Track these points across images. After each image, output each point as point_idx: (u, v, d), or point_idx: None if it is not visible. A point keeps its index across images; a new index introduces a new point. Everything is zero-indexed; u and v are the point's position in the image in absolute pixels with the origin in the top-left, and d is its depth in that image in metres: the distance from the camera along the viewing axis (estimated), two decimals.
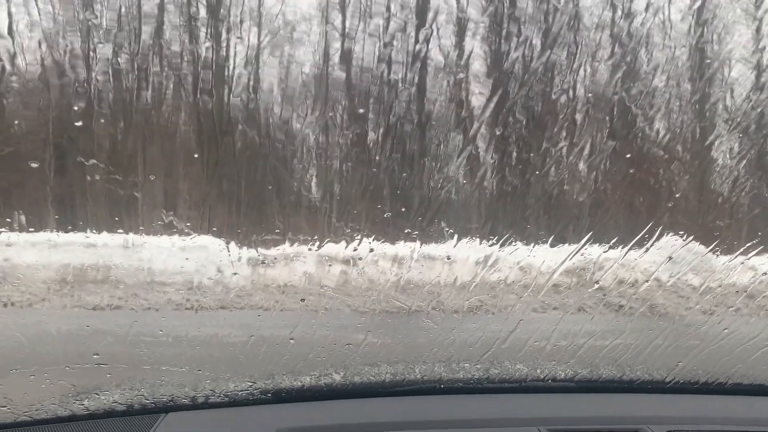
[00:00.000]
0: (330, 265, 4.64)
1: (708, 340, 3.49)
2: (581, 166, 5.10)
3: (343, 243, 4.23)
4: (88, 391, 2.92)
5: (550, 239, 4.25)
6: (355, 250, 4.27)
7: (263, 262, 5.23)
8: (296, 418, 2.83)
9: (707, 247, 3.97)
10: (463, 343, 3.57)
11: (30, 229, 4.66)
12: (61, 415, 2.75)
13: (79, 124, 4.52)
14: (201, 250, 5.87)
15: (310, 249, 4.56)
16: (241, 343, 3.59)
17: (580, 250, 3.89)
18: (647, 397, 3.21)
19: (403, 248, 4.23)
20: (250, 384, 3.01)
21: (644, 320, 4.06)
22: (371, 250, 4.32)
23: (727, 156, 5.26)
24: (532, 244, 4.28)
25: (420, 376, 3.18)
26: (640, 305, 4.06)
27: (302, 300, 4.85)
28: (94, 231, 4.76)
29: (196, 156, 7.82)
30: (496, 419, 2.93)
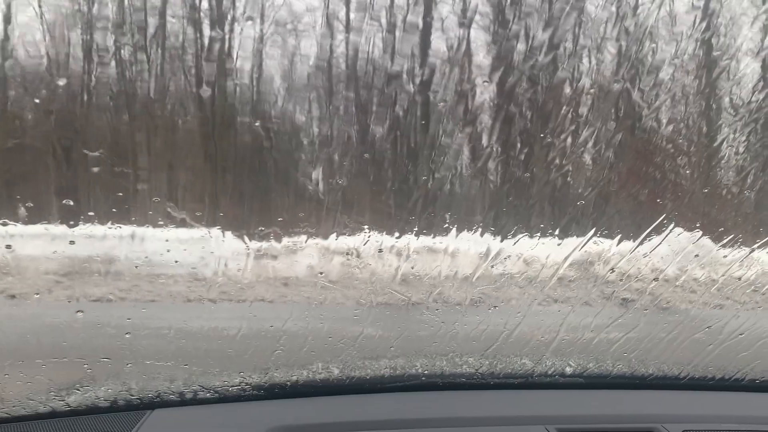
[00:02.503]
0: (324, 256, 4.62)
1: (725, 335, 3.48)
2: (589, 158, 5.10)
3: (337, 234, 4.21)
4: (67, 387, 2.87)
5: (557, 231, 4.24)
6: (347, 239, 4.25)
7: (253, 253, 5.19)
8: (290, 414, 2.79)
9: (721, 241, 3.96)
10: (465, 337, 3.55)
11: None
12: (41, 411, 2.71)
13: (83, 116, 4.51)
14: (185, 242, 5.82)
15: (304, 240, 4.54)
16: (229, 336, 3.55)
17: (587, 242, 3.87)
18: (661, 393, 3.19)
19: (401, 240, 4.20)
20: (241, 379, 2.97)
21: (657, 314, 4.05)
22: (366, 241, 4.30)
23: (740, 148, 5.28)
24: (538, 237, 4.27)
25: (421, 371, 3.15)
26: (653, 299, 4.05)
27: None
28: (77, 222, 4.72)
29: (199, 148, 7.83)
30: (501, 417, 2.91)
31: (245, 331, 3.53)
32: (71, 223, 4.20)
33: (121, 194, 4.90)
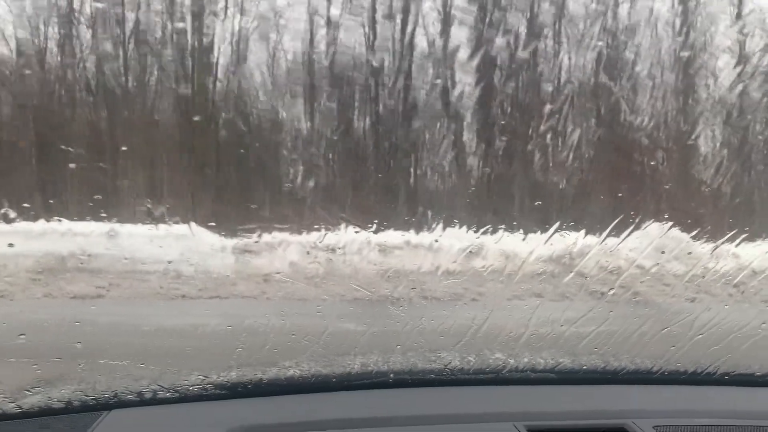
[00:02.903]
0: (286, 252, 4.56)
1: (696, 329, 3.48)
2: (565, 154, 5.15)
3: (302, 230, 4.16)
4: (18, 389, 2.75)
5: (531, 226, 4.23)
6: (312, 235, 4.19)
7: (210, 249, 5.10)
8: (254, 414, 2.71)
9: (694, 234, 3.97)
10: (433, 332, 3.51)
11: None
12: None
13: (62, 112, 4.43)
14: (132, 237, 5.70)
15: (258, 236, 4.48)
16: (188, 333, 3.47)
17: (553, 235, 3.86)
18: (632, 388, 3.18)
19: (365, 234, 4.17)
20: (202, 378, 2.88)
21: (629, 307, 4.05)
22: (324, 236, 4.25)
23: (712, 144, 5.38)
24: (512, 232, 4.26)
25: (388, 367, 3.09)
26: (624, 292, 4.05)
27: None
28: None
29: (177, 144, 7.79)
30: (470, 414, 2.86)
31: (205, 328, 3.45)
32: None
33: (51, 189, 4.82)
